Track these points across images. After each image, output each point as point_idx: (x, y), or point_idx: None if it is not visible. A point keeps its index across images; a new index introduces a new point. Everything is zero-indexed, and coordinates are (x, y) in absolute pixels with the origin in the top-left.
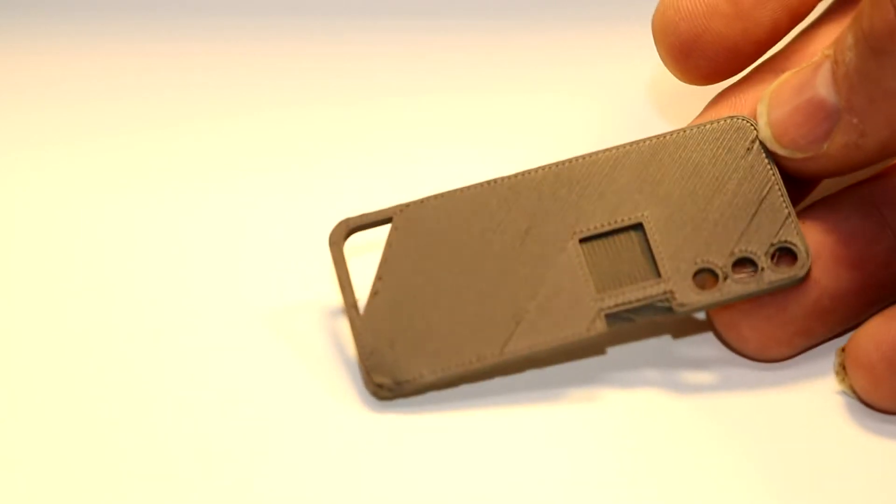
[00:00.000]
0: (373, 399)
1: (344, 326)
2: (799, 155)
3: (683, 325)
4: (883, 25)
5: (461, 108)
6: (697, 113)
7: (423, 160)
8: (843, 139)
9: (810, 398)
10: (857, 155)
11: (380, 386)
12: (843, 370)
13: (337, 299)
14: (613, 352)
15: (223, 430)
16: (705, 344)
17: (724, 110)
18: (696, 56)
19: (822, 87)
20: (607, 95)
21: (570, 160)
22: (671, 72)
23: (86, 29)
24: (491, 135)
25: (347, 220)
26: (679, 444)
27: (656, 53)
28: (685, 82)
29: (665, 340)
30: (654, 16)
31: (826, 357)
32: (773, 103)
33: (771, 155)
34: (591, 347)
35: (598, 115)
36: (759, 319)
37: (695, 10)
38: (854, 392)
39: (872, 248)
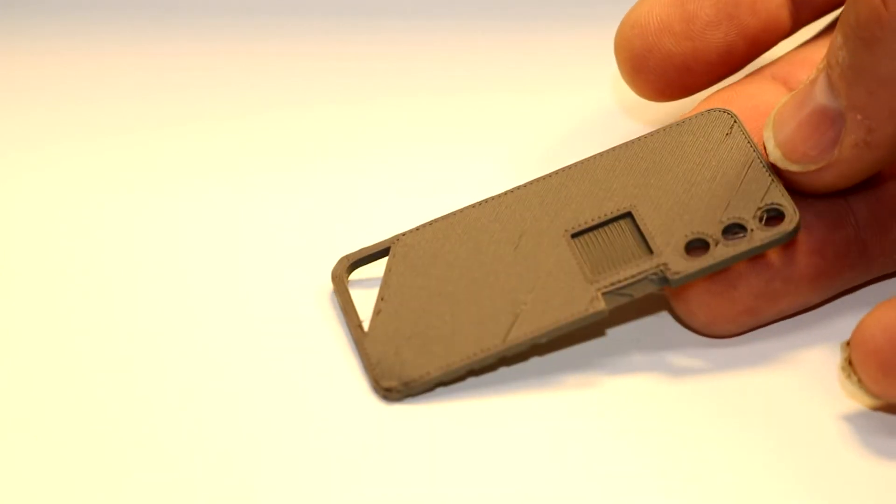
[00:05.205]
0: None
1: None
2: (812, 167)
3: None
4: (869, 13)
5: (463, 107)
6: (686, 112)
7: (423, 159)
8: (851, 139)
9: (806, 381)
10: (868, 155)
11: (388, 389)
12: (849, 365)
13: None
14: (608, 337)
15: (229, 431)
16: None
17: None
18: (647, 72)
19: (822, 96)
20: (606, 93)
21: (555, 172)
22: (628, 85)
23: (86, 29)
24: (492, 134)
25: (348, 256)
26: (676, 427)
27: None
28: (640, 97)
29: (658, 324)
30: (616, 30)
31: (824, 342)
32: (777, 126)
33: (765, 155)
34: (590, 330)
35: (599, 114)
36: (708, 295)
37: (648, 27)
38: (862, 386)
39: (832, 235)
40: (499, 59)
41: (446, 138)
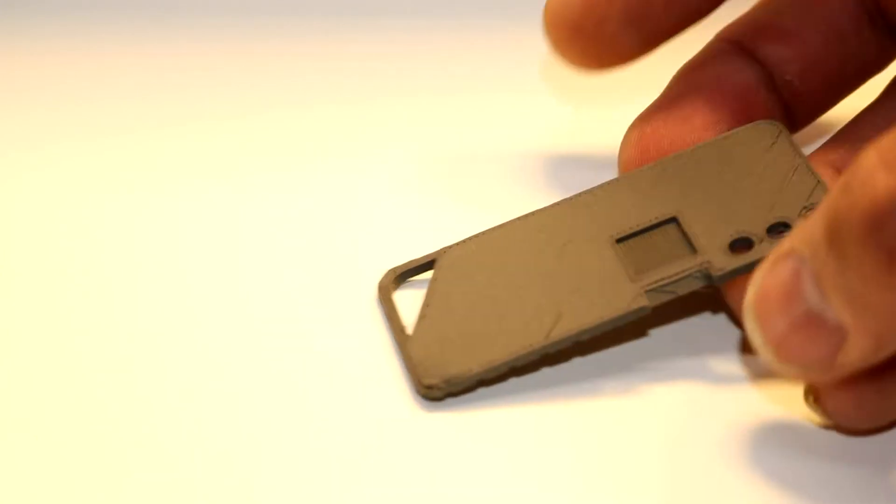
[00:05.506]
0: (421, 399)
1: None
2: (814, 371)
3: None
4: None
5: (464, 107)
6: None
7: (423, 159)
8: (858, 351)
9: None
10: (882, 356)
11: (430, 387)
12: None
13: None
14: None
15: (229, 431)
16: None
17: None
18: (584, 38)
19: (813, 299)
20: (609, 94)
21: (600, 185)
22: (561, 54)
23: (86, 29)
24: (492, 134)
25: (395, 269)
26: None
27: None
28: (575, 64)
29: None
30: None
31: None
32: (761, 318)
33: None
34: (633, 329)
35: (600, 114)
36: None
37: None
38: (817, 409)
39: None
40: (499, 59)
41: (446, 138)
